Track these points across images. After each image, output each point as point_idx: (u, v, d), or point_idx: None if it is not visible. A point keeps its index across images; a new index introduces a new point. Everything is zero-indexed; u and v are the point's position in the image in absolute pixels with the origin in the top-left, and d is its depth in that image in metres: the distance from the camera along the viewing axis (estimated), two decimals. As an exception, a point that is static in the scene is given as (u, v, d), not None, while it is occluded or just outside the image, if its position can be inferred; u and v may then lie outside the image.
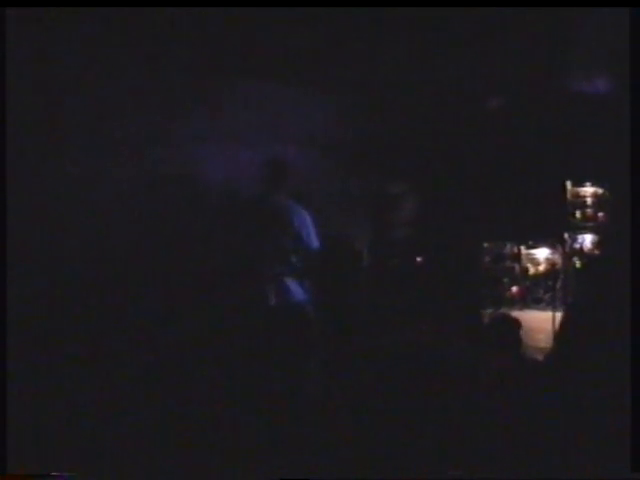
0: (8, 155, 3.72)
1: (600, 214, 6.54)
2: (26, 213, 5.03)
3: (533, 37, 6.15)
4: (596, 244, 6.45)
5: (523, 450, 3.60)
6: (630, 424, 3.27)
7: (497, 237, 6.60)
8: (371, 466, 3.89)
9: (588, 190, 6.60)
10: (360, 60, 6.25)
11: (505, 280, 6.59)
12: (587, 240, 6.51)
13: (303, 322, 5.03)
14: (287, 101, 6.40)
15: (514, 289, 6.58)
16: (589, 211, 6.58)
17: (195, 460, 4.03)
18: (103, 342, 5.24)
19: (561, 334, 4.19)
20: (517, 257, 6.60)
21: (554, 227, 6.49)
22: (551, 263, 6.50)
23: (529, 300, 6.50)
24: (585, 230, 6.53)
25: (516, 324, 5.03)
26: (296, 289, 5.06)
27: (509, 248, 6.63)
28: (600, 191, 6.57)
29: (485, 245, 6.59)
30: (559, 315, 5.39)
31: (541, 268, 6.54)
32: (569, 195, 6.60)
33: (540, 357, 4.89)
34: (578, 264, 6.41)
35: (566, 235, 6.50)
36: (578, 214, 6.58)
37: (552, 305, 6.08)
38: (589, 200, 6.59)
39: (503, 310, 6.11)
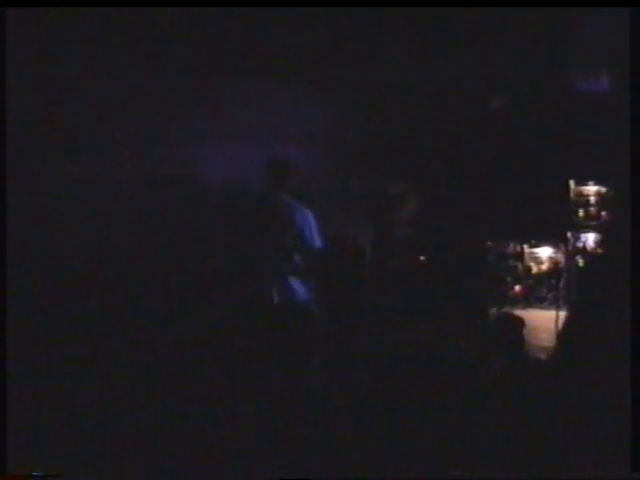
0: (8, 155, 3.71)
1: (603, 213, 6.53)
2: (26, 213, 5.03)
3: (533, 37, 6.15)
4: (599, 243, 6.44)
5: (523, 450, 3.60)
6: (630, 424, 3.27)
7: (500, 236, 6.59)
8: (371, 466, 3.89)
9: (591, 189, 6.59)
10: (360, 60, 6.26)
11: (508, 279, 6.58)
12: (590, 239, 6.50)
13: (306, 321, 5.03)
14: (288, 101, 6.41)
15: (517, 288, 6.57)
16: (592, 210, 6.57)
17: (195, 460, 4.03)
18: (104, 342, 5.24)
19: (562, 333, 4.19)
20: (520, 256, 6.59)
21: (557, 226, 6.48)
22: (554, 262, 6.49)
23: (532, 299, 6.49)
24: (588, 229, 6.52)
25: (519, 323, 5.03)
26: (299, 288, 5.06)
27: (512, 247, 6.61)
28: (603, 190, 6.56)
29: (488, 244, 6.58)
30: (562, 314, 5.39)
31: (544, 267, 6.53)
32: (572, 194, 6.60)
33: (543, 356, 4.89)
34: (581, 263, 6.40)
35: (569, 234, 6.49)
36: (581, 213, 6.57)
37: (555, 304, 6.05)
38: (592, 199, 6.58)
39: (506, 309, 6.11)
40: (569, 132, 6.31)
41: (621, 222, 3.66)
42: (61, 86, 5.65)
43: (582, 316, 3.95)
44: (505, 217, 6.43)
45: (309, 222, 5.09)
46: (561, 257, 6.47)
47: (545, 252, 6.56)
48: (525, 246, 6.57)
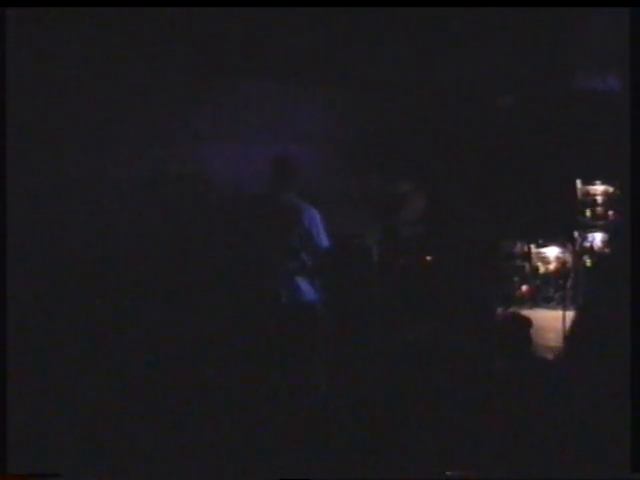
0: (8, 155, 3.71)
1: (610, 212, 6.52)
2: (26, 213, 5.03)
3: (533, 37, 6.15)
4: (606, 243, 6.43)
5: (523, 450, 3.60)
6: (630, 424, 3.27)
7: (507, 236, 6.58)
8: (373, 466, 3.89)
9: (598, 188, 6.59)
10: (362, 59, 6.25)
11: (515, 279, 6.57)
12: (597, 239, 6.50)
13: (312, 320, 5.03)
14: (294, 100, 6.41)
15: (524, 288, 6.56)
16: (599, 209, 6.57)
17: (195, 460, 4.03)
18: (105, 342, 5.24)
19: (566, 334, 4.20)
20: (527, 256, 6.57)
21: (564, 226, 6.48)
22: (561, 262, 6.48)
23: (539, 299, 6.48)
24: (595, 229, 6.51)
25: (526, 323, 5.02)
26: (305, 287, 5.05)
27: (519, 247, 6.60)
28: (610, 189, 6.55)
29: (495, 244, 6.56)
30: (569, 314, 5.39)
31: (551, 267, 6.52)
32: (579, 193, 6.59)
33: (549, 356, 4.89)
34: (588, 263, 6.39)
35: (576, 234, 6.48)
36: (588, 212, 6.57)
37: (562, 304, 6.04)
38: (599, 198, 6.58)
39: (513, 309, 6.09)
40: (576, 132, 6.31)
41: (628, 222, 3.66)
42: (61, 86, 5.65)
43: (586, 316, 3.96)
44: (512, 217, 6.42)
45: (316, 222, 5.08)
46: (568, 257, 6.46)
47: (552, 252, 6.55)
48: (532, 246, 6.56)
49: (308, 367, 4.97)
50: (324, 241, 5.09)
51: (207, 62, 5.99)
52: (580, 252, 6.44)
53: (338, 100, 6.56)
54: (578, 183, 6.60)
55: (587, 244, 6.49)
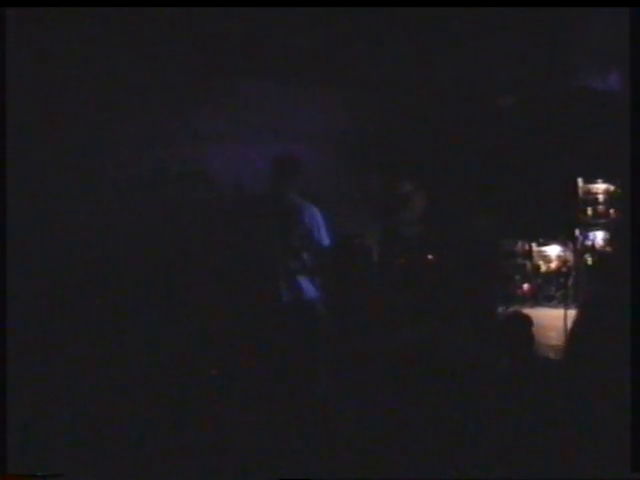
0: (8, 155, 3.71)
1: (611, 211, 6.53)
2: (26, 213, 5.04)
3: (533, 37, 6.16)
4: (607, 241, 6.43)
5: (523, 450, 3.60)
6: (630, 424, 3.27)
7: (508, 235, 6.58)
8: (373, 466, 3.89)
9: (599, 187, 6.59)
10: (364, 59, 6.25)
11: (516, 278, 6.57)
12: (598, 237, 6.50)
13: (313, 319, 5.03)
14: (294, 100, 6.41)
15: (525, 286, 6.55)
16: (600, 208, 6.57)
17: (195, 460, 4.03)
18: (106, 342, 5.24)
19: (567, 332, 4.19)
20: (528, 254, 6.58)
21: (565, 224, 6.48)
22: (562, 260, 6.48)
23: (540, 298, 6.47)
24: (596, 227, 6.52)
25: (527, 322, 5.01)
26: (306, 286, 5.06)
27: (520, 245, 6.60)
28: (611, 188, 6.56)
29: (496, 243, 6.56)
30: (570, 313, 5.38)
31: (552, 265, 6.52)
32: (580, 192, 6.59)
33: (550, 355, 4.89)
34: (589, 261, 6.39)
35: (577, 232, 6.48)
36: (589, 211, 6.57)
37: (563, 303, 6.03)
38: (600, 197, 6.58)
39: (514, 308, 6.09)
40: (576, 131, 6.31)
41: (628, 220, 3.66)
42: (61, 86, 5.65)
43: (587, 315, 3.96)
44: (513, 216, 6.42)
45: (316, 220, 5.08)
46: (569, 255, 6.45)
47: (553, 250, 6.55)
48: (533, 245, 6.56)
49: (308, 366, 4.97)
50: (325, 239, 5.09)
51: (207, 62, 5.99)
52: (581, 251, 6.45)
53: (338, 100, 6.56)
54: (579, 182, 6.60)
55: (588, 243, 6.50)
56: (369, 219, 6.51)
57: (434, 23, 5.94)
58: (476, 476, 3.63)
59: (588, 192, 6.60)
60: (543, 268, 6.54)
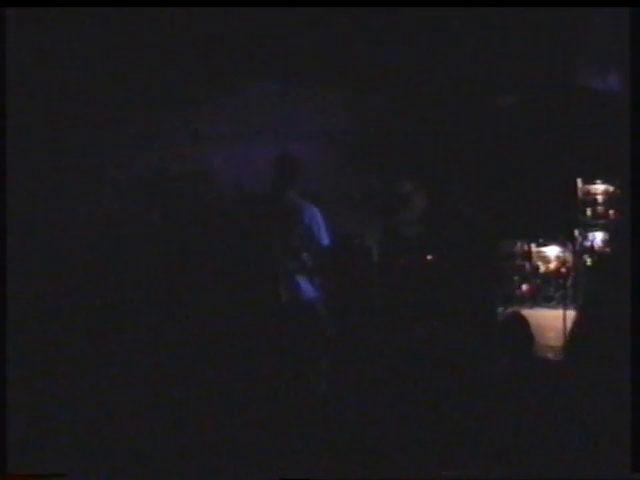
0: (8, 155, 3.71)
1: (611, 212, 6.51)
2: (26, 213, 5.04)
3: (533, 37, 6.16)
4: (607, 242, 6.43)
5: (523, 450, 3.60)
6: (630, 424, 3.27)
7: (507, 235, 6.57)
8: (374, 466, 3.89)
9: (598, 188, 6.57)
10: (364, 59, 6.26)
11: (515, 278, 6.56)
12: (598, 238, 6.49)
13: (313, 319, 5.03)
14: (294, 100, 6.41)
15: (524, 287, 6.54)
16: (599, 209, 6.55)
17: (195, 460, 4.03)
18: (106, 342, 5.24)
19: (566, 333, 4.20)
20: (527, 255, 6.56)
21: (564, 225, 6.47)
22: (561, 261, 6.46)
23: (540, 298, 6.47)
24: (596, 228, 6.50)
25: (526, 322, 5.01)
26: (306, 286, 5.05)
27: (519, 246, 6.59)
28: (610, 189, 6.54)
29: (495, 243, 6.55)
30: (570, 313, 5.38)
31: (551, 266, 6.50)
32: (579, 193, 6.58)
33: (549, 356, 4.89)
34: (589, 262, 6.38)
35: (576, 233, 6.47)
36: (589, 212, 6.56)
37: (563, 303, 6.02)
38: (599, 198, 6.57)
39: (513, 308, 6.08)
40: (576, 132, 6.31)
41: (628, 221, 3.66)
42: (61, 86, 5.65)
43: (587, 316, 3.96)
44: (512, 216, 6.42)
45: (316, 220, 5.08)
46: (568, 256, 6.44)
47: (552, 251, 6.53)
48: (532, 245, 6.55)
49: (308, 366, 4.97)
50: (325, 239, 5.09)
51: (207, 62, 6.00)
52: (580, 251, 6.43)
53: (338, 100, 6.56)
54: (578, 182, 6.59)
55: (587, 243, 6.49)
56: (369, 219, 6.50)
57: (434, 23, 5.94)
58: (476, 476, 3.63)
59: (588, 193, 6.58)
60: (542, 269, 6.52)
